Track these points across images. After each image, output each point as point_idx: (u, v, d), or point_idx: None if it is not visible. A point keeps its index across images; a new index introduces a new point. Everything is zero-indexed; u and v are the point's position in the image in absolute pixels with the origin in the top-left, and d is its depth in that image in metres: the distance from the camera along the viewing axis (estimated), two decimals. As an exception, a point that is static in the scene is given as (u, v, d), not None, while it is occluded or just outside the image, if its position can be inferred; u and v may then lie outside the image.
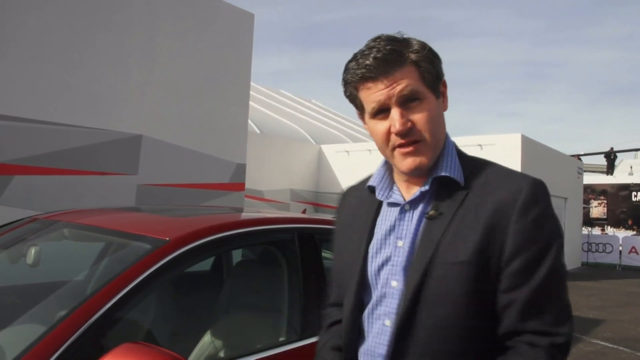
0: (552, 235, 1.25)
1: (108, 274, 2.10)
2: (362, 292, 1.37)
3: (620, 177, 23.64)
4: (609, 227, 22.43)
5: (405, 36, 1.31)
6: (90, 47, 6.25)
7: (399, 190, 1.38)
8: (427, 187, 1.32)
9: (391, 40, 1.28)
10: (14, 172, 5.56)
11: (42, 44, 5.83)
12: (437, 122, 1.31)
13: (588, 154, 28.12)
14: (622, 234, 20.09)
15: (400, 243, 1.32)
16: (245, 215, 3.23)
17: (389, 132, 1.28)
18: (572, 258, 17.41)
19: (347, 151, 15.70)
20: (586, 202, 21.67)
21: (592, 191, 22.82)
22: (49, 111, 5.82)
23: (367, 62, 1.25)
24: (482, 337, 1.24)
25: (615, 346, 7.19)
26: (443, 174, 1.31)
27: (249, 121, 10.12)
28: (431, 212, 1.29)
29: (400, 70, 1.26)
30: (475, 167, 1.34)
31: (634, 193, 22.20)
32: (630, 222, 21.97)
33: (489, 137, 13.44)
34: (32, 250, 2.53)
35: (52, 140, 5.85)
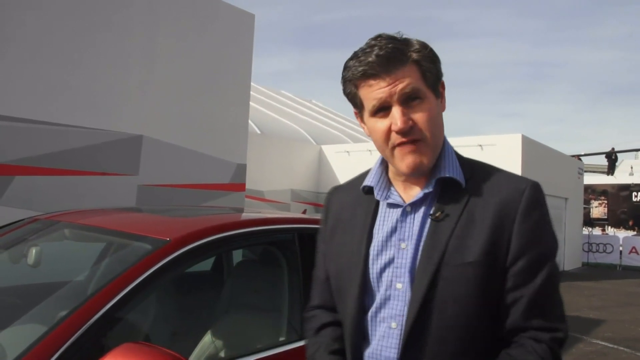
0: (551, 239, 1.31)
1: (109, 274, 2.10)
2: (364, 294, 1.35)
3: (620, 177, 23.64)
4: (609, 227, 22.43)
5: (404, 36, 1.31)
6: (90, 47, 6.26)
7: (397, 191, 1.38)
8: (431, 189, 1.32)
9: (392, 39, 1.28)
10: (15, 172, 5.57)
11: (41, 44, 5.83)
12: (437, 122, 1.31)
13: (588, 154, 28.11)
14: (622, 234, 20.09)
15: (403, 245, 1.31)
16: (246, 215, 3.24)
17: (389, 131, 1.28)
18: (572, 258, 17.42)
19: (347, 151, 15.71)
20: (587, 202, 21.67)
21: (592, 191, 22.83)
22: (49, 111, 5.82)
23: (370, 59, 1.25)
24: (484, 337, 1.26)
25: (616, 346, 7.19)
26: (446, 175, 1.31)
27: (250, 121, 10.12)
28: (437, 214, 1.29)
29: (402, 69, 1.25)
30: (474, 168, 1.36)
31: (634, 193, 22.20)
32: (631, 223, 21.96)
33: (490, 138, 13.45)
34: (33, 251, 2.53)
35: (53, 141, 5.86)
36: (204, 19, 7.71)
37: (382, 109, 1.28)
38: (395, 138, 1.28)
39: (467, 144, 12.63)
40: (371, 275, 1.34)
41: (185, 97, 7.32)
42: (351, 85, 1.32)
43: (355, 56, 1.29)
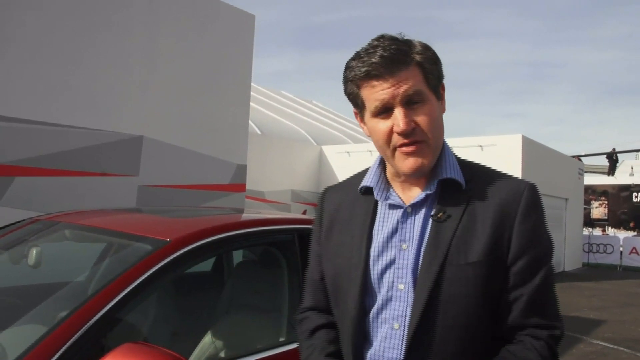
0: (548, 240, 1.33)
1: (109, 274, 2.10)
2: (364, 295, 1.34)
3: (621, 177, 23.64)
4: (609, 227, 22.43)
5: (406, 37, 1.31)
6: (90, 47, 6.26)
7: (395, 192, 1.38)
8: (432, 190, 1.32)
9: (395, 40, 1.28)
10: (15, 173, 5.57)
11: (41, 44, 5.83)
12: (438, 124, 1.32)
13: (589, 155, 28.10)
14: (622, 234, 20.08)
15: (404, 246, 1.31)
16: (246, 216, 3.24)
17: (390, 132, 1.28)
18: (573, 259, 17.41)
19: (347, 152, 15.71)
20: (587, 202, 21.66)
21: (592, 192, 22.82)
22: (50, 112, 5.82)
23: (373, 60, 1.25)
24: (483, 336, 1.28)
25: (616, 347, 7.19)
26: (448, 176, 1.32)
27: (250, 122, 10.12)
28: (440, 215, 1.29)
29: (405, 70, 1.26)
30: (472, 170, 1.37)
31: (634, 194, 22.20)
32: (632, 224, 21.95)
33: (490, 138, 13.44)
34: (34, 251, 2.53)
35: (53, 141, 5.86)
36: (205, 19, 7.71)
37: (384, 110, 1.28)
38: (397, 139, 1.28)
39: (467, 144, 12.60)
40: (372, 277, 1.34)
41: (186, 98, 7.32)
42: (353, 85, 1.32)
43: (357, 56, 1.29)
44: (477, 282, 1.24)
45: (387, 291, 1.31)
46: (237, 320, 2.70)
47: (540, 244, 1.29)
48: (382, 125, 1.29)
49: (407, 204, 1.34)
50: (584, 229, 19.35)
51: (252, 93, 9.40)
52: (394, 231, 1.34)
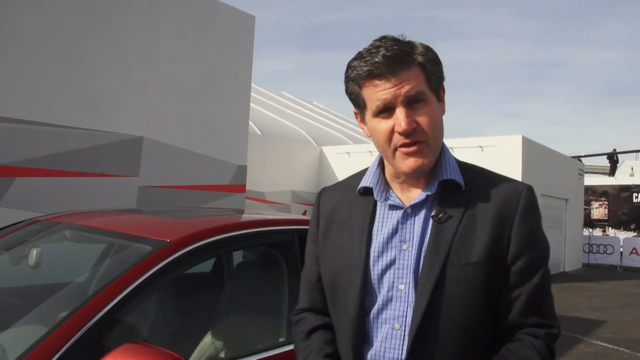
0: (545, 241, 1.36)
1: (109, 275, 2.10)
2: (364, 296, 1.35)
3: (621, 178, 23.63)
4: (609, 228, 22.42)
5: (407, 39, 1.32)
6: (90, 47, 6.26)
7: (394, 193, 1.39)
8: (433, 190, 1.33)
9: (397, 41, 1.29)
10: (15, 174, 5.57)
11: (41, 44, 5.83)
12: (438, 125, 1.33)
13: (589, 155, 28.08)
14: (623, 235, 20.08)
15: (404, 246, 1.32)
16: (246, 216, 3.24)
17: (392, 131, 1.28)
18: (573, 259, 17.41)
19: (348, 152, 15.72)
20: (587, 203, 21.65)
21: (593, 192, 22.81)
22: (50, 112, 5.82)
23: (376, 59, 1.25)
24: (482, 336, 1.29)
25: (616, 347, 7.19)
26: (448, 177, 1.33)
27: (250, 123, 10.12)
28: (440, 215, 1.31)
29: (407, 71, 1.26)
30: (470, 171, 1.39)
31: (634, 194, 22.19)
32: (633, 226, 21.94)
33: (490, 139, 13.44)
34: (34, 252, 2.53)
35: (53, 142, 5.86)
36: (205, 19, 7.71)
37: (386, 110, 1.29)
38: (398, 139, 1.29)
39: (467, 145, 12.61)
40: (372, 277, 1.34)
41: (186, 98, 7.32)
42: (355, 84, 1.32)
43: (360, 56, 1.30)
44: (477, 282, 1.26)
45: (388, 291, 1.32)
46: (237, 320, 2.70)
47: (538, 244, 1.32)
48: (383, 125, 1.30)
49: (407, 204, 1.35)
50: (584, 229, 19.34)
51: (252, 94, 9.40)
52: (394, 232, 1.34)
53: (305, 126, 17.89)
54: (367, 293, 1.34)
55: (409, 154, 1.29)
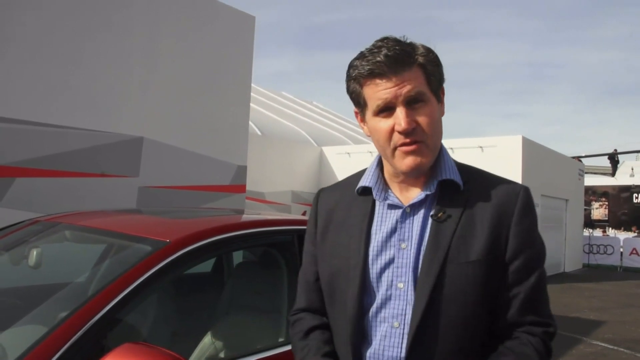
0: (541, 241, 1.38)
1: (109, 275, 2.10)
2: (363, 295, 1.35)
3: (621, 178, 23.64)
4: (610, 228, 22.43)
5: (409, 40, 1.33)
6: (90, 47, 6.26)
7: (393, 193, 1.40)
8: (432, 190, 1.34)
9: (398, 41, 1.30)
10: (15, 174, 5.57)
11: (41, 44, 5.83)
12: (437, 125, 1.34)
13: (589, 156, 28.07)
14: (623, 235, 20.08)
15: (403, 245, 1.33)
16: (246, 217, 3.24)
17: (392, 131, 1.30)
18: (573, 259, 17.41)
19: (348, 153, 15.72)
20: (587, 203, 21.66)
21: (593, 193, 22.83)
22: (50, 112, 5.82)
23: (378, 59, 1.27)
24: (481, 335, 1.30)
25: (616, 347, 7.18)
26: (447, 177, 1.35)
27: (250, 123, 10.12)
28: (440, 215, 1.32)
29: (409, 71, 1.28)
30: (468, 172, 1.41)
31: (635, 195, 22.20)
32: (634, 229, 21.94)
33: (490, 139, 13.45)
34: (34, 252, 2.53)
35: (53, 143, 5.86)
36: (205, 19, 7.71)
37: (386, 109, 1.30)
38: (398, 138, 1.30)
39: (467, 145, 12.62)
40: (371, 276, 1.35)
41: (186, 98, 7.32)
42: (356, 83, 1.34)
43: (361, 56, 1.31)
44: (476, 280, 1.27)
45: (387, 290, 1.33)
46: (236, 320, 2.70)
47: (534, 244, 1.34)
48: (384, 124, 1.31)
49: (406, 204, 1.36)
50: (584, 229, 19.35)
51: (252, 94, 9.41)
52: (393, 231, 1.35)
53: (305, 126, 17.89)
54: (365, 292, 1.35)
55: (408, 153, 1.30)
